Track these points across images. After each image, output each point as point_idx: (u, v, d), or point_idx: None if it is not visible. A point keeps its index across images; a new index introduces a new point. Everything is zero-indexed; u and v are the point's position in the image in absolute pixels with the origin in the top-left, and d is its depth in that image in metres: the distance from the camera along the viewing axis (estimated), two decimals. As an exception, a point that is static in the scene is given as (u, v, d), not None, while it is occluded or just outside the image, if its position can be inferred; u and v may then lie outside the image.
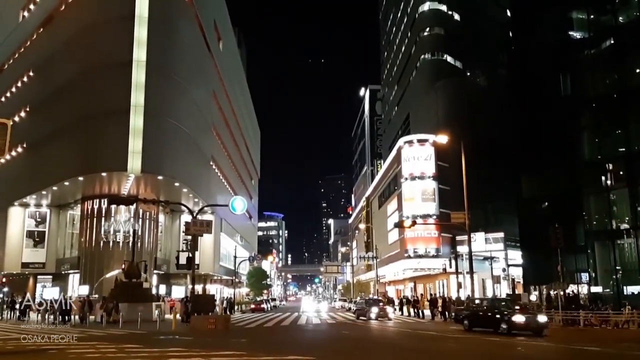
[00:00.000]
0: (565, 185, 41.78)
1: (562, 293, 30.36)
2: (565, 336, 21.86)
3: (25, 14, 53.80)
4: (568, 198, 40.43)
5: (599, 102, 39.75)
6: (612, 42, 40.34)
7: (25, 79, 51.18)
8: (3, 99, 54.83)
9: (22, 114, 49.75)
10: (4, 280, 46.40)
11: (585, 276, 39.55)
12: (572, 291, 36.00)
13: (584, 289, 38.17)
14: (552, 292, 36.75)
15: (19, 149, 49.07)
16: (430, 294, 45.70)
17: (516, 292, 43.99)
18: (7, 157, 43.77)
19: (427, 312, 39.41)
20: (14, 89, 53.10)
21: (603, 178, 39.29)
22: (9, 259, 50.60)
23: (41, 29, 50.40)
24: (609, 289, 36.68)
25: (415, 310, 39.66)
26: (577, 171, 40.57)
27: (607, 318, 25.52)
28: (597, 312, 26.81)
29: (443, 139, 35.65)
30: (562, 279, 30.02)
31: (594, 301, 33.60)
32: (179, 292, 51.53)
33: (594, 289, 36.91)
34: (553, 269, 31.26)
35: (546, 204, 44.39)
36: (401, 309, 43.21)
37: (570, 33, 43.67)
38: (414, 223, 42.37)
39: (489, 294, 41.74)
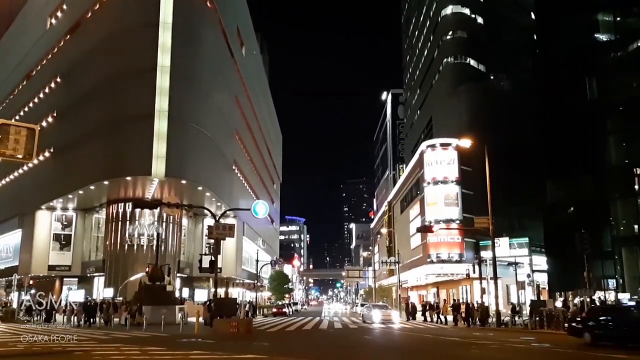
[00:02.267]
0: (591, 191, 41.15)
1: (588, 299, 29.84)
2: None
3: (53, 21, 54.89)
4: (594, 203, 39.81)
5: (626, 106, 39.13)
6: (639, 44, 39.73)
7: (52, 84, 52.18)
8: (31, 104, 55.96)
9: (49, 119, 50.71)
10: (31, 282, 47.19)
11: (612, 282, 38.86)
12: (599, 297, 35.36)
13: (611, 296, 37.48)
14: (578, 299, 36.17)
15: (46, 154, 49.98)
16: (454, 300, 45.31)
17: (541, 298, 43.36)
18: (35, 161, 44.56)
19: (449, 318, 39.11)
20: (41, 95, 54.16)
21: (630, 183, 38.62)
22: (36, 261, 51.53)
23: (68, 36, 51.36)
24: (637, 295, 35.98)
25: (437, 317, 39.39)
26: (603, 176, 39.95)
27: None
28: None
29: (466, 143, 35.30)
30: (588, 285, 29.52)
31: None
32: (201, 295, 51.83)
33: (621, 296, 36.22)
34: (579, 275, 30.78)
35: (572, 209, 43.75)
36: (424, 315, 42.97)
37: (596, 36, 43.10)
38: (430, 229, 42.21)
39: (514, 300, 41.16)
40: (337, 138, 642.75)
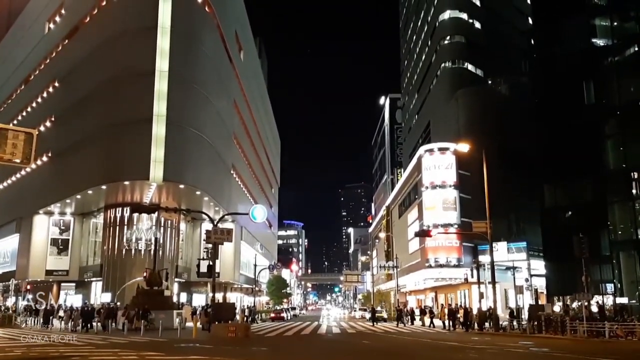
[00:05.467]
0: (589, 195, 41.23)
1: (586, 304, 29.82)
2: (588, 347, 21.48)
3: (51, 25, 54.91)
4: (592, 207, 39.86)
5: (624, 110, 39.21)
6: (637, 48, 39.85)
7: (50, 89, 52.17)
8: (29, 108, 55.94)
9: (47, 123, 50.69)
10: (28, 287, 47.10)
11: (610, 287, 38.87)
12: (597, 302, 35.37)
13: (609, 300, 37.48)
14: (576, 303, 36.16)
15: (44, 158, 49.92)
16: (449, 304, 45.58)
17: (539, 302, 43.36)
18: (33, 166, 44.57)
19: (439, 322, 39.61)
20: (39, 99, 54.15)
21: (628, 187, 38.67)
22: (34, 266, 51.39)
23: (66, 40, 51.38)
24: (635, 300, 35.97)
25: (431, 321, 39.69)
26: (601, 180, 40.01)
27: (632, 329, 25.00)
28: (623, 323, 26.28)
29: (464, 147, 35.40)
30: (586, 289, 29.49)
31: (620, 312, 32.94)
32: (199, 300, 51.75)
33: (619, 300, 36.20)
34: (577, 280, 30.73)
35: (570, 213, 43.78)
36: (421, 319, 43.31)
37: (594, 40, 43.20)
38: (428, 233, 42.28)
39: (512, 305, 41.18)
40: (335, 142, 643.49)
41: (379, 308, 59.09)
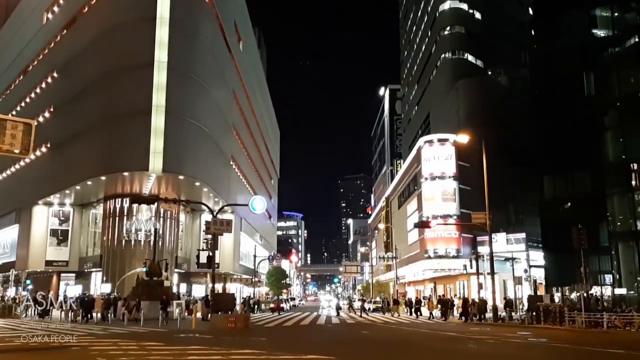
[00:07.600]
0: (589, 186, 41.23)
1: (585, 295, 29.92)
2: (586, 338, 21.57)
3: (49, 15, 54.61)
4: (591, 198, 39.89)
5: (624, 102, 39.16)
6: (637, 39, 39.72)
7: (49, 79, 51.96)
8: (28, 99, 55.76)
9: (46, 114, 50.53)
10: (27, 280, 47.11)
11: (609, 278, 38.99)
12: (596, 292, 35.51)
13: (607, 291, 37.61)
14: (574, 294, 36.29)
15: (43, 149, 49.83)
16: (439, 295, 46.06)
17: (538, 293, 43.50)
18: (32, 156, 44.53)
19: (427, 312, 40.14)
20: (38, 90, 53.94)
21: (627, 178, 38.69)
22: (33, 257, 51.40)
23: (64, 31, 51.14)
24: (633, 290, 36.10)
25: (417, 312, 40.26)
26: (600, 171, 40.01)
27: (630, 320, 25.11)
28: (621, 314, 26.40)
29: (464, 138, 35.43)
30: (585, 280, 29.59)
31: (618, 303, 33.09)
32: (199, 290, 51.88)
33: (618, 291, 36.34)
34: (576, 271, 30.82)
35: (569, 204, 43.84)
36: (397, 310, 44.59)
37: (594, 31, 43.06)
38: (427, 224, 42.41)
39: (510, 295, 41.36)
40: (335, 133, 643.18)
41: (377, 299, 59.46)
